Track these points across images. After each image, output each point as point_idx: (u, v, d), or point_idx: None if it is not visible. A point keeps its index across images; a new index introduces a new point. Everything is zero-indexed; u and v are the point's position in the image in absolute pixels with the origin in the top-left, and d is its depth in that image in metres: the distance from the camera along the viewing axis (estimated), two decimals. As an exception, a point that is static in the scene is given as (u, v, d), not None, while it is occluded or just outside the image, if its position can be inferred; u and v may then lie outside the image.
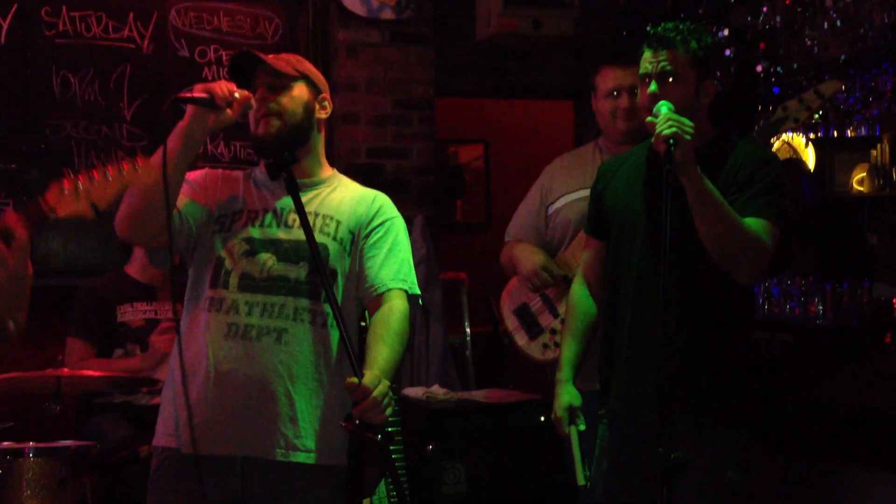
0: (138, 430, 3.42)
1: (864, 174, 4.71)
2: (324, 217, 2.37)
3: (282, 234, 2.32)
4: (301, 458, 2.25)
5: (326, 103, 2.43)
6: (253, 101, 2.29)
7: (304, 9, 4.78)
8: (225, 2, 4.61)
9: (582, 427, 2.60)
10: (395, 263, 2.38)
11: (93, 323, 3.62)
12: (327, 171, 2.47)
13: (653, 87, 2.38)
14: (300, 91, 2.37)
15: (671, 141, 2.19)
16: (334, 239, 2.35)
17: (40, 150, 4.29)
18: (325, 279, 2.19)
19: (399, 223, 2.45)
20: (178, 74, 4.49)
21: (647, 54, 2.42)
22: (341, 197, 2.42)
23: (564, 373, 2.63)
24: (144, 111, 4.45)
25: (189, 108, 2.23)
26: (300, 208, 2.22)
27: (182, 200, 2.32)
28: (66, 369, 3.13)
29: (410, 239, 4.87)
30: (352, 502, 2.10)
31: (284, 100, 2.34)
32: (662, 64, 2.37)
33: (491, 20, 4.93)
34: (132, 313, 3.66)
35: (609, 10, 5.27)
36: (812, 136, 4.65)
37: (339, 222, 2.37)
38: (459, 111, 6.47)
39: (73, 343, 3.63)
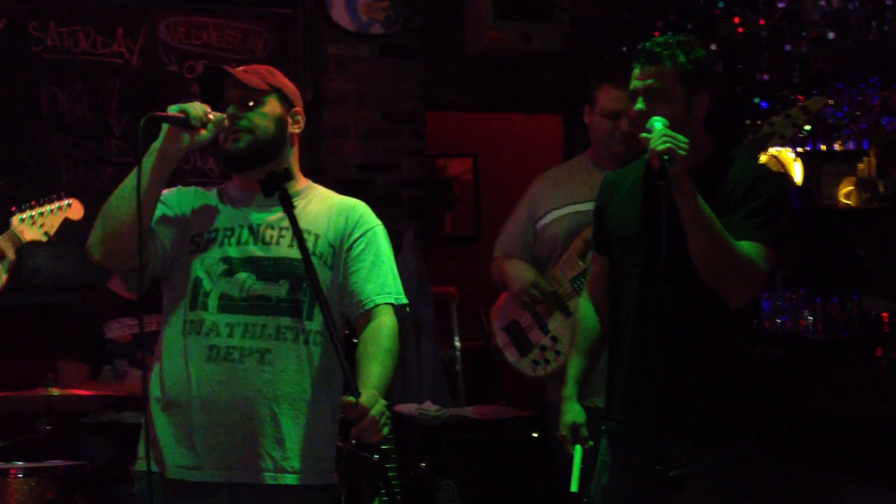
0: (128, 449, 3.38)
1: (852, 187, 4.74)
2: (302, 231, 2.29)
3: (259, 252, 2.27)
4: (289, 479, 2.22)
5: (299, 117, 2.38)
6: (226, 122, 2.26)
7: (294, 23, 4.78)
8: (214, 17, 4.60)
9: (589, 444, 2.58)
10: (380, 276, 2.33)
11: (82, 343, 3.58)
12: (301, 182, 2.42)
13: (639, 104, 2.37)
14: (272, 106, 2.33)
15: (665, 157, 2.18)
16: (313, 253, 2.30)
17: (28, 166, 4.26)
18: (321, 297, 2.13)
19: (380, 231, 2.40)
20: (167, 89, 4.47)
21: (636, 70, 2.40)
22: (318, 209, 2.37)
23: (569, 389, 2.61)
24: (133, 126, 4.42)
25: (164, 128, 2.21)
26: (295, 225, 2.17)
27: (155, 222, 2.28)
28: (56, 388, 3.10)
29: (401, 254, 4.90)
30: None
31: (255, 115, 2.30)
32: (649, 81, 2.36)
33: (481, 34, 4.94)
34: (119, 329, 3.63)
35: (599, 25, 5.29)
36: (800, 149, 4.67)
37: (317, 236, 2.32)
38: (449, 125, 6.48)
39: (65, 366, 3.57)
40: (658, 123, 2.29)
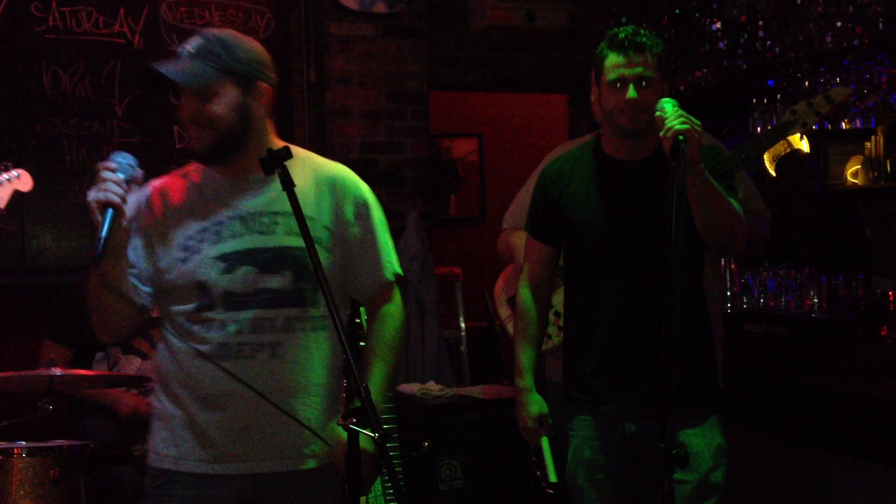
0: (131, 430, 3.39)
1: (859, 166, 4.71)
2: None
3: (257, 244, 2.17)
4: (310, 464, 2.22)
5: (261, 87, 2.18)
6: (138, 171, 2.10)
7: (296, 2, 4.75)
8: (216, -4, 4.58)
9: (552, 433, 2.61)
10: (380, 254, 2.28)
11: (72, 327, 3.51)
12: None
13: (632, 92, 2.40)
14: (228, 93, 2.14)
15: (681, 137, 2.18)
16: (313, 240, 2.21)
17: (31, 147, 4.26)
18: (325, 284, 2.00)
19: (369, 198, 2.28)
20: (170, 69, 4.46)
21: (619, 59, 2.42)
22: (303, 186, 2.17)
23: (527, 380, 2.61)
24: (136, 107, 4.42)
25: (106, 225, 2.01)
26: (298, 210, 2.03)
27: (132, 266, 2.18)
28: (58, 368, 3.11)
29: (404, 234, 4.88)
30: (351, 500, 2.07)
31: (212, 109, 2.13)
32: (639, 69, 2.40)
33: (485, 13, 4.91)
34: None
35: (603, 2, 5.25)
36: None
37: (312, 220, 2.19)
38: (453, 105, 6.45)
39: (48, 346, 3.54)
40: (668, 104, 2.30)
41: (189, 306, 2.18)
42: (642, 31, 2.45)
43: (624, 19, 5.08)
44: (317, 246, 2.10)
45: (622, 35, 2.43)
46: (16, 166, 3.93)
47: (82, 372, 3.27)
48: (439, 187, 6.70)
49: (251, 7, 4.66)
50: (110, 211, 2.00)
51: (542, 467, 2.58)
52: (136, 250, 2.20)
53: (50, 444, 3.11)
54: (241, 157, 2.18)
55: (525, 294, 2.70)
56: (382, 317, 2.30)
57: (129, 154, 2.11)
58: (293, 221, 2.07)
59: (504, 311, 3.36)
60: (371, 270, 2.28)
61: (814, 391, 3.33)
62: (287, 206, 2.07)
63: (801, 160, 4.49)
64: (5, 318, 4.15)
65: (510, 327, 3.33)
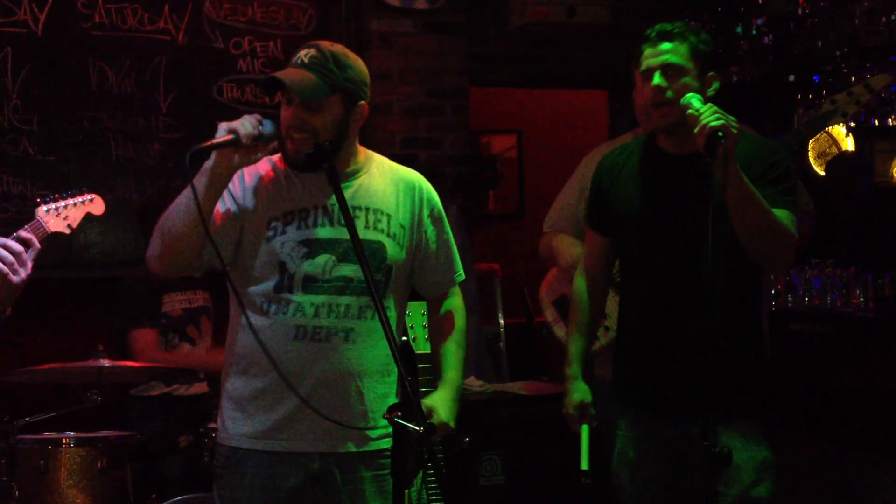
0: (177, 421, 3.44)
1: (906, 163, 4.65)
2: (374, 212, 2.35)
3: (337, 234, 2.30)
4: (373, 446, 2.32)
5: (362, 107, 2.33)
6: (282, 131, 2.24)
7: (338, -1, 4.78)
8: (259, -7, 4.62)
9: (594, 424, 2.61)
10: (450, 257, 2.47)
11: (150, 310, 3.63)
12: (361, 155, 2.40)
13: (657, 78, 2.38)
14: (333, 109, 2.27)
15: (720, 133, 2.16)
16: (388, 235, 2.35)
17: (78, 142, 4.32)
18: (372, 280, 2.12)
19: (440, 205, 2.46)
20: (213, 66, 4.50)
21: (648, 51, 2.41)
22: (383, 185, 2.38)
23: (574, 369, 2.64)
24: (180, 103, 4.46)
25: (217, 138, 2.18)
26: (343, 206, 2.17)
27: (221, 220, 2.28)
28: (106, 360, 3.16)
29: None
30: (398, 490, 2.14)
31: (317, 120, 2.25)
32: (665, 56, 2.38)
33: (525, 8, 4.89)
34: (170, 304, 3.69)
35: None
36: (852, 124, 4.58)
37: (389, 216, 2.36)
38: (493, 101, 6.45)
39: (138, 334, 3.61)
40: (695, 99, 2.29)
41: (268, 285, 2.29)
42: (678, 23, 2.42)
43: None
44: (392, 241, 2.34)
45: (656, 28, 2.42)
46: (65, 161, 4.02)
47: (130, 364, 3.32)
48: (478, 183, 6.70)
49: (293, 4, 4.69)
50: (231, 136, 2.14)
51: (577, 454, 2.59)
52: (230, 215, 2.30)
53: (97, 434, 3.17)
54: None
55: (580, 284, 2.71)
56: (453, 310, 2.51)
57: (273, 124, 2.23)
58: (370, 218, 2.32)
59: (549, 314, 3.37)
60: (444, 272, 2.48)
61: (859, 391, 3.30)
62: (364, 202, 2.32)
63: (851, 160, 4.43)
64: (53, 312, 4.23)
65: (557, 329, 3.33)
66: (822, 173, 4.73)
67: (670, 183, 2.46)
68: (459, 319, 2.49)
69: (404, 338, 3.01)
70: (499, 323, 5.20)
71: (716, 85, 2.45)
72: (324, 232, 2.30)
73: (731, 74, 4.83)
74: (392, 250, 2.34)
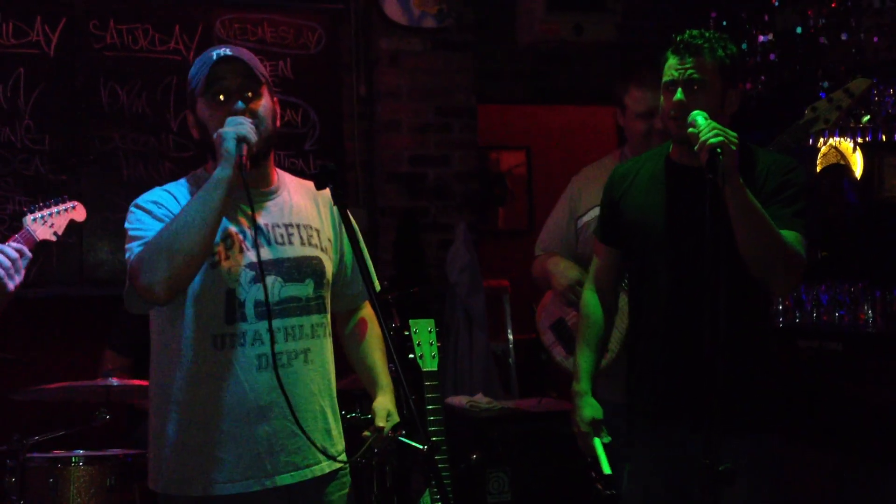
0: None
1: (915, 178, 4.63)
2: (305, 228, 2.27)
3: (278, 253, 2.21)
4: (337, 465, 2.28)
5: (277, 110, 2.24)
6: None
7: (347, 18, 4.81)
8: (269, 13, 4.66)
9: (607, 439, 2.57)
10: (369, 266, 2.23)
11: (131, 337, 3.64)
12: (275, 172, 2.31)
13: (679, 94, 2.35)
14: (268, 97, 2.20)
15: (718, 150, 2.16)
16: (321, 249, 2.29)
17: (89, 161, 4.36)
18: (372, 289, 2.10)
19: (346, 210, 2.18)
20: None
21: (673, 61, 2.38)
22: (303, 201, 2.30)
23: (583, 384, 2.60)
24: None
25: (229, 153, 2.08)
26: (349, 224, 2.09)
27: None
28: (115, 378, 3.18)
29: (453, 247, 4.89)
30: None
31: (260, 107, 2.17)
32: (689, 71, 2.34)
33: (532, 26, 4.92)
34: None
35: (651, 15, 5.23)
36: (860, 139, 4.57)
37: (318, 231, 2.29)
38: (501, 118, 6.47)
39: (108, 356, 3.71)
40: (700, 117, 2.28)
41: (215, 314, 2.16)
42: (707, 34, 2.38)
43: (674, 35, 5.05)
44: (325, 255, 2.29)
45: (682, 37, 2.39)
46: (77, 180, 4.07)
47: (139, 382, 3.33)
48: (487, 200, 6.71)
49: (303, 23, 4.73)
50: (243, 145, 2.06)
51: (596, 464, 2.55)
52: None
53: (106, 452, 3.18)
54: (254, 170, 2.18)
55: (589, 298, 2.67)
56: (367, 318, 2.47)
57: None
58: (304, 234, 2.25)
59: (547, 338, 3.35)
60: (366, 282, 2.15)
61: (870, 406, 3.28)
62: (293, 219, 2.25)
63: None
64: (64, 329, 4.25)
65: (555, 353, 3.33)
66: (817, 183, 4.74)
67: (683, 194, 2.44)
68: (375, 326, 2.45)
69: (410, 355, 3.03)
70: (508, 339, 5.20)
71: (737, 101, 2.41)
72: (264, 253, 2.17)
73: (748, 91, 4.83)
74: (328, 265, 2.29)
